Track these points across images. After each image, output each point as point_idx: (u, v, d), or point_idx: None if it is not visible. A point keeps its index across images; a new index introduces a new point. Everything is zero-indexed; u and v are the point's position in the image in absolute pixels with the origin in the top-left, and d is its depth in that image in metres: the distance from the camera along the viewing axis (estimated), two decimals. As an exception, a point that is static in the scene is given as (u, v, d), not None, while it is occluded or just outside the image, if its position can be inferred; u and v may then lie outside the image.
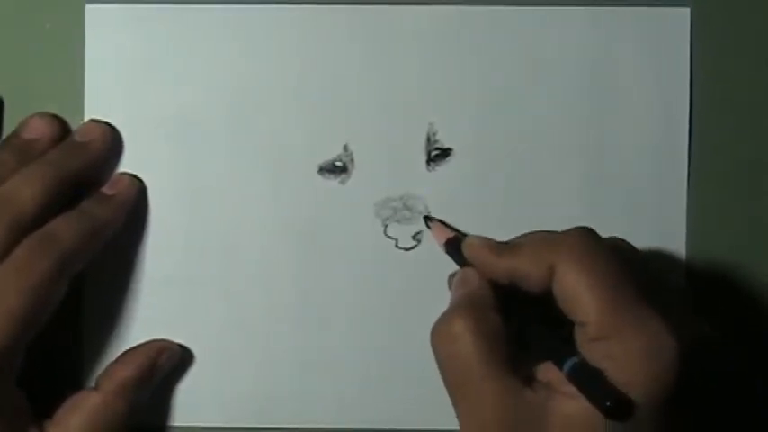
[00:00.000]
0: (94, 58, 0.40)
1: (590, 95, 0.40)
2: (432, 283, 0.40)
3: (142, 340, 0.40)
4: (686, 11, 0.40)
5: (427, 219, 0.40)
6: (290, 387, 0.40)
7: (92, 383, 0.39)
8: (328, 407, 0.40)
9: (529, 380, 0.32)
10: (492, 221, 0.40)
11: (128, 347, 0.39)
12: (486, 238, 0.36)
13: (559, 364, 0.31)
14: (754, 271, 0.41)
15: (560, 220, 0.40)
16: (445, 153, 0.40)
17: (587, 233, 0.33)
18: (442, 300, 0.39)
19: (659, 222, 0.40)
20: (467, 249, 0.36)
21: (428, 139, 0.40)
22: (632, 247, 0.36)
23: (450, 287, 0.37)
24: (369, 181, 0.40)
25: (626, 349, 0.31)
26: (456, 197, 0.40)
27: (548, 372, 0.32)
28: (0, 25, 0.41)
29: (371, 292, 0.40)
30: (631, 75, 0.40)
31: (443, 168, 0.40)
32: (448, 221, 0.40)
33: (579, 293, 0.32)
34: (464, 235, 0.38)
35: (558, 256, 0.32)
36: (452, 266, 0.39)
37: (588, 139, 0.40)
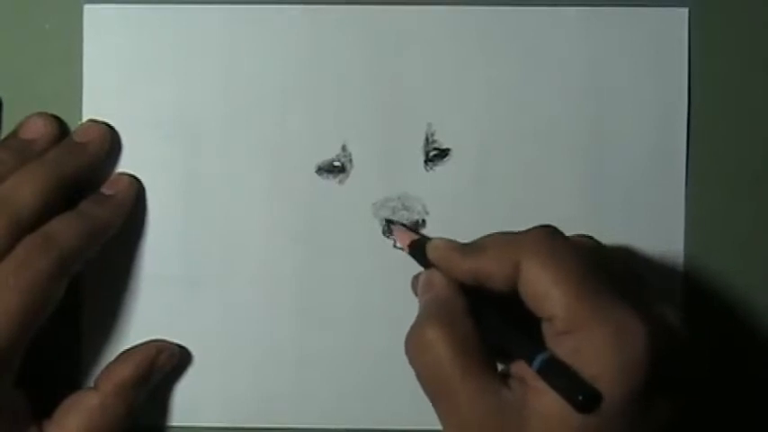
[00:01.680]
0: (93, 58, 0.40)
1: (588, 96, 0.40)
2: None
3: (141, 340, 0.40)
4: (685, 11, 0.40)
5: (389, 222, 0.40)
6: (289, 387, 0.40)
7: (90, 383, 0.39)
8: (328, 407, 0.40)
9: (504, 377, 0.32)
10: (490, 221, 0.40)
11: (126, 347, 0.39)
12: (450, 240, 0.36)
13: (529, 361, 0.31)
14: (752, 271, 0.41)
15: (559, 220, 0.40)
16: (443, 153, 0.40)
17: (550, 230, 0.34)
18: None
19: (657, 222, 0.40)
20: (431, 252, 0.36)
21: (426, 140, 0.40)
22: (598, 243, 0.36)
23: (413, 289, 0.37)
24: (367, 181, 0.40)
25: (593, 341, 0.31)
26: (454, 197, 0.40)
27: (521, 368, 0.32)
28: (0, 25, 0.41)
29: (370, 291, 0.40)
30: (630, 75, 0.40)
31: (442, 168, 0.40)
32: (446, 221, 0.40)
33: (544, 289, 0.32)
34: (428, 238, 0.38)
35: (521, 254, 0.32)
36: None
37: (586, 139, 0.40)
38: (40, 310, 0.35)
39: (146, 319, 0.40)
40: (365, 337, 0.40)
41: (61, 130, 0.40)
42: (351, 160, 0.40)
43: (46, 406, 0.37)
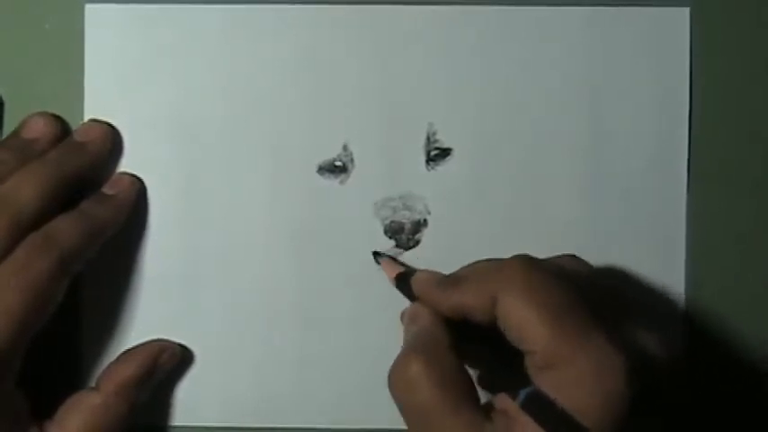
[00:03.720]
0: (94, 57, 0.40)
1: (589, 95, 0.40)
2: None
3: (142, 340, 0.40)
4: (686, 11, 0.40)
5: (376, 254, 0.40)
6: (289, 387, 0.40)
7: (92, 383, 0.39)
8: (328, 407, 0.40)
9: (488, 410, 0.32)
10: (491, 221, 0.40)
11: (128, 347, 0.39)
12: (434, 273, 0.36)
13: (513, 396, 0.31)
14: (755, 271, 0.41)
15: (560, 219, 0.40)
16: (445, 153, 0.40)
17: (527, 261, 0.33)
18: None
19: (659, 222, 0.40)
20: (415, 285, 0.36)
21: (428, 139, 0.40)
22: (581, 263, 0.36)
23: (402, 322, 0.37)
24: (368, 180, 0.40)
25: (574, 375, 0.30)
26: (455, 197, 0.40)
27: (505, 400, 0.32)
28: (0, 25, 0.40)
29: (371, 291, 0.40)
30: (631, 75, 0.40)
31: (443, 168, 0.40)
32: (448, 221, 0.40)
33: (523, 323, 0.31)
34: (413, 270, 0.38)
35: (498, 287, 0.32)
36: (454, 266, 0.39)
37: (588, 138, 0.40)
38: (41, 310, 0.35)
39: (146, 318, 0.40)
40: (365, 336, 0.40)
41: (62, 129, 0.40)
42: (352, 160, 0.40)
43: (47, 406, 0.37)
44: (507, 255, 0.39)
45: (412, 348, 0.33)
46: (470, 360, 0.35)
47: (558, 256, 0.36)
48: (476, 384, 0.33)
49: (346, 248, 0.40)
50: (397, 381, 0.33)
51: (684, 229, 0.40)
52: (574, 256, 0.36)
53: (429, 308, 0.35)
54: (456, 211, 0.40)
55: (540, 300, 0.31)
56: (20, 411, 0.36)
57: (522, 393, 0.31)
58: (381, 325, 0.40)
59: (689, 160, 0.40)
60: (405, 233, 0.40)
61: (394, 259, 0.40)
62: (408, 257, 0.40)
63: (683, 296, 0.40)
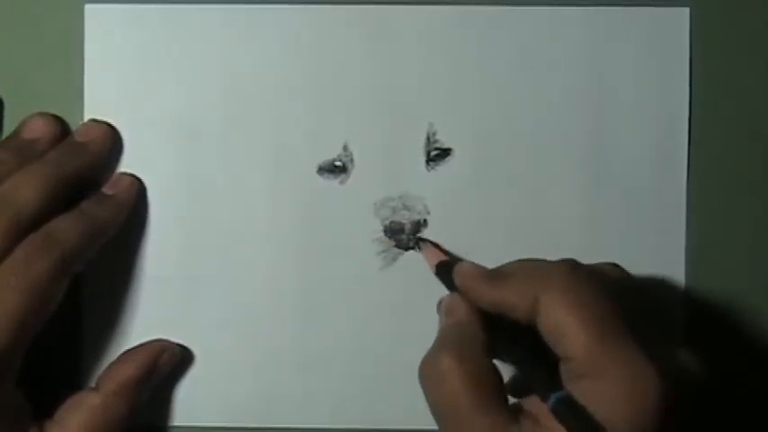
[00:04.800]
0: (94, 57, 0.40)
1: (589, 95, 0.40)
2: (431, 283, 0.40)
3: (142, 340, 0.40)
4: (685, 10, 0.40)
5: (419, 240, 0.40)
6: (289, 387, 0.40)
7: (92, 383, 0.39)
8: (328, 407, 0.40)
9: (516, 411, 0.32)
10: (491, 221, 0.40)
11: (128, 347, 0.39)
12: (477, 266, 0.36)
13: (544, 398, 0.31)
14: (754, 270, 0.41)
15: (560, 220, 0.40)
16: (445, 153, 0.40)
17: (574, 266, 0.33)
18: (439, 298, 0.39)
19: (659, 222, 0.40)
20: (457, 277, 0.36)
21: (428, 139, 0.40)
22: (624, 274, 0.36)
23: (438, 312, 0.37)
24: (368, 180, 0.40)
25: (610, 387, 0.30)
26: (455, 197, 0.40)
27: (534, 404, 0.32)
28: (-1, 25, 0.41)
29: (371, 291, 0.40)
30: (631, 75, 0.40)
31: (443, 168, 0.40)
32: (448, 221, 0.40)
33: (563, 329, 0.31)
34: (456, 259, 0.38)
35: (543, 289, 0.32)
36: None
37: (588, 138, 0.40)
38: (41, 310, 0.35)
39: (147, 318, 0.40)
40: (366, 337, 0.40)
41: (62, 129, 0.40)
42: (352, 160, 0.40)
43: (47, 406, 0.37)
44: (507, 255, 0.39)
45: (445, 341, 0.33)
46: (502, 359, 0.35)
47: (601, 264, 0.36)
48: (505, 384, 0.33)
49: (346, 248, 0.40)
50: (427, 373, 0.33)
51: (684, 228, 0.40)
52: (615, 264, 0.36)
53: (467, 301, 0.35)
54: (456, 212, 0.40)
55: (583, 307, 0.31)
56: (20, 411, 0.36)
57: (554, 397, 0.31)
58: (381, 325, 0.40)
59: (689, 160, 0.40)
60: (405, 233, 0.40)
61: (437, 246, 0.40)
62: (408, 257, 0.40)
63: (682, 295, 0.40)
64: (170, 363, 0.39)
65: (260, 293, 0.40)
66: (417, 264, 0.40)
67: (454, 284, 0.36)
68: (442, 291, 0.38)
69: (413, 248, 0.40)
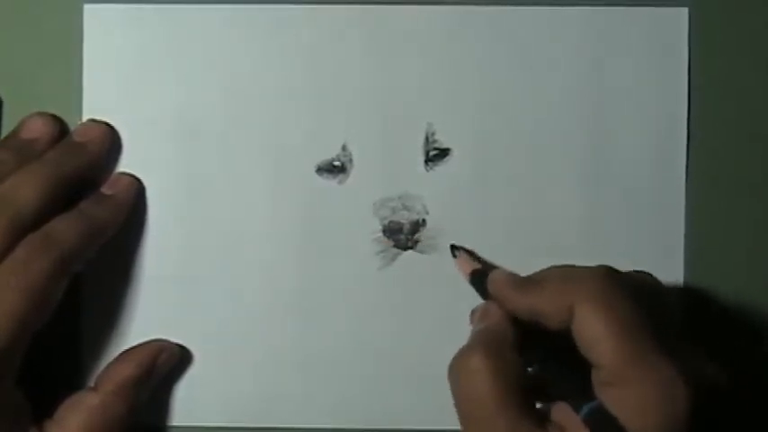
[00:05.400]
0: (93, 57, 0.40)
1: (588, 95, 0.40)
2: (430, 283, 0.40)
3: (141, 340, 0.40)
4: (684, 11, 0.40)
5: (453, 248, 0.40)
6: (288, 387, 0.40)
7: (91, 383, 0.39)
8: (328, 407, 0.40)
9: (542, 419, 0.32)
10: (490, 221, 0.40)
11: (127, 347, 0.39)
12: (511, 274, 0.36)
13: (576, 408, 0.31)
14: (752, 271, 0.41)
15: (559, 219, 0.40)
16: (444, 153, 0.40)
17: (609, 273, 0.33)
18: (440, 299, 0.39)
19: (658, 222, 0.40)
20: (491, 285, 0.36)
21: (426, 139, 0.40)
22: (656, 282, 0.36)
23: (471, 322, 0.37)
24: (367, 181, 0.40)
25: (640, 398, 0.30)
26: (454, 197, 0.40)
27: (561, 413, 0.32)
28: (-1, 25, 0.41)
29: (370, 291, 0.40)
30: (630, 75, 0.40)
31: (442, 168, 0.40)
32: (446, 221, 0.40)
33: (596, 337, 0.31)
34: (491, 267, 0.38)
35: (577, 297, 0.32)
36: (453, 266, 0.40)
37: (587, 138, 0.40)
38: (40, 310, 0.35)
39: (146, 318, 0.40)
40: (366, 336, 0.40)
41: (61, 129, 0.40)
42: (351, 160, 0.40)
43: (46, 406, 0.37)
44: (506, 255, 0.40)
45: (477, 341, 0.33)
46: (533, 365, 0.35)
47: (634, 271, 0.36)
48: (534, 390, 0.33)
49: (345, 248, 0.40)
50: (456, 370, 0.33)
51: (683, 228, 0.40)
52: (649, 274, 0.36)
53: (501, 307, 0.35)
54: (455, 212, 0.40)
55: (618, 316, 0.31)
56: (19, 410, 0.36)
57: (586, 407, 0.31)
58: (380, 325, 0.40)
59: (687, 160, 0.40)
60: (403, 233, 0.40)
61: (471, 253, 0.40)
62: (407, 257, 0.40)
63: (681, 295, 0.40)
64: (169, 362, 0.39)
65: (259, 293, 0.40)
66: (416, 264, 0.40)
67: (488, 293, 0.36)
68: (443, 290, 0.39)
69: (411, 248, 0.40)
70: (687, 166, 0.40)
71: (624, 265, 0.39)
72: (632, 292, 0.32)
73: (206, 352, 0.40)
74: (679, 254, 0.40)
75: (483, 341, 0.33)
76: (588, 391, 0.32)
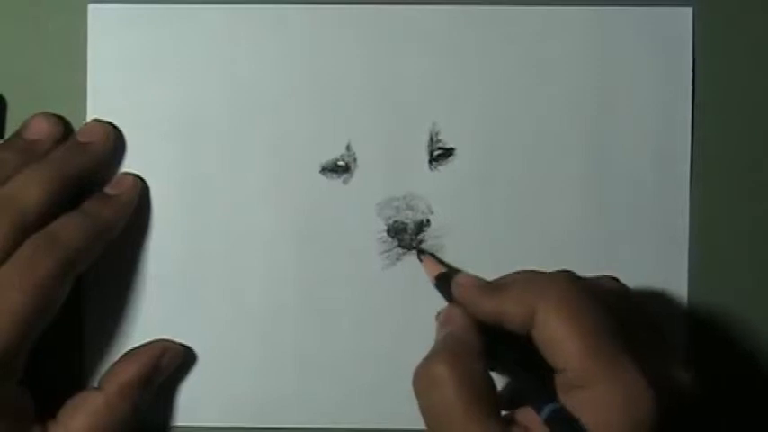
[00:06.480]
0: (97, 57, 0.40)
1: (592, 95, 0.40)
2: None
3: (144, 340, 0.40)
4: (688, 11, 0.40)
5: (420, 252, 0.40)
6: (291, 387, 0.40)
7: (95, 383, 0.39)
8: (329, 407, 0.40)
9: (508, 422, 0.32)
10: (494, 221, 0.40)
11: (130, 347, 0.39)
12: (476, 278, 0.36)
13: (538, 410, 0.31)
14: (756, 271, 0.41)
15: (562, 219, 0.40)
16: (448, 153, 0.40)
17: (570, 277, 0.33)
18: (443, 299, 0.39)
19: (661, 222, 0.40)
20: (455, 288, 0.36)
21: (431, 139, 0.40)
22: (622, 287, 0.36)
23: (437, 323, 0.37)
24: (371, 180, 0.40)
25: (603, 399, 0.30)
26: (458, 197, 0.40)
27: (527, 414, 0.32)
28: (2, 25, 0.41)
29: (373, 291, 0.40)
30: (633, 75, 0.40)
31: (446, 168, 0.40)
32: (451, 221, 0.40)
33: (558, 340, 0.31)
34: (455, 271, 0.39)
35: (539, 299, 0.32)
36: (457, 266, 0.40)
37: (591, 139, 0.40)
38: (44, 310, 0.35)
39: (149, 318, 0.40)
40: (367, 337, 0.40)
41: (65, 129, 0.40)
42: (355, 160, 0.40)
43: (50, 406, 0.37)
44: (510, 254, 0.40)
45: (440, 349, 0.34)
46: (496, 370, 0.35)
47: (599, 277, 0.36)
48: (498, 395, 0.33)
49: (349, 248, 0.40)
50: (420, 379, 0.33)
51: (687, 228, 0.40)
52: (614, 278, 0.36)
53: (464, 311, 0.35)
54: (459, 212, 0.40)
55: (580, 319, 0.32)
56: (23, 411, 0.36)
57: (547, 408, 0.31)
58: (383, 325, 0.40)
59: (692, 160, 0.40)
60: (407, 233, 0.40)
61: (436, 258, 0.40)
62: (410, 257, 0.40)
63: (685, 297, 0.40)
64: (173, 362, 0.39)
65: (262, 293, 0.40)
66: (419, 264, 0.40)
67: (452, 296, 0.37)
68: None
69: (416, 248, 0.40)
70: (691, 167, 0.40)
71: (627, 265, 0.40)
72: (596, 297, 0.32)
73: (208, 352, 0.40)
74: (683, 254, 0.40)
75: (446, 348, 0.33)
76: (550, 393, 0.32)
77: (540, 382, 0.33)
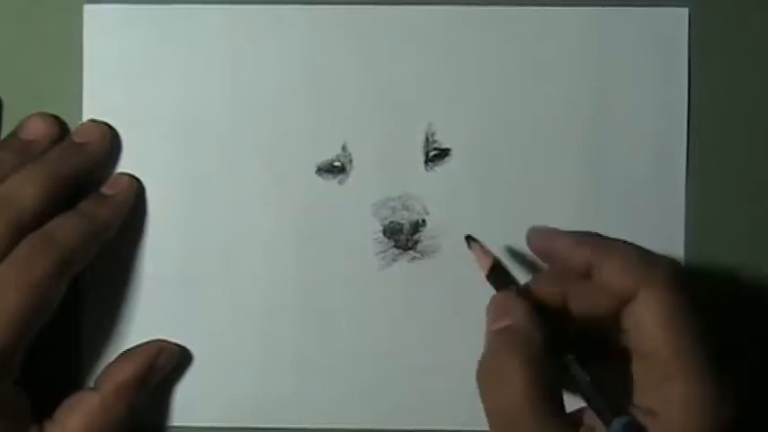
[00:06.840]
0: (93, 58, 0.40)
1: (589, 95, 0.40)
2: (431, 284, 0.40)
3: (141, 340, 0.40)
4: (685, 11, 0.40)
5: (469, 239, 0.38)
6: (289, 387, 0.40)
7: (91, 383, 0.39)
8: (328, 407, 0.40)
9: (575, 423, 0.31)
10: (490, 222, 0.40)
11: (127, 348, 0.39)
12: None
13: (606, 422, 0.31)
14: (753, 270, 0.41)
15: (559, 219, 0.40)
16: (444, 153, 0.40)
17: (679, 266, 0.33)
18: (440, 299, 0.39)
19: (658, 222, 0.40)
20: (538, 238, 0.35)
21: (427, 139, 0.40)
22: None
23: (488, 314, 0.35)
24: (367, 181, 0.40)
25: (687, 395, 0.30)
26: (454, 197, 0.40)
27: (594, 417, 0.32)
28: (-1, 25, 0.41)
29: (370, 292, 0.40)
30: (630, 75, 0.40)
31: (442, 168, 0.40)
32: (446, 221, 0.40)
33: (658, 325, 0.31)
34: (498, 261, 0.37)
35: (646, 279, 0.31)
36: (453, 266, 0.40)
37: (587, 139, 0.40)
38: (41, 310, 0.35)
39: (146, 318, 0.40)
40: (365, 337, 0.40)
41: (61, 130, 0.40)
42: (351, 160, 0.40)
43: (47, 406, 0.37)
44: (506, 255, 0.39)
45: (506, 346, 0.32)
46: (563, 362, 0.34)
47: None
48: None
49: (345, 249, 0.40)
50: (488, 377, 0.32)
51: (683, 228, 0.40)
52: None
53: (523, 300, 0.34)
54: (455, 212, 0.40)
55: (683, 310, 0.31)
56: (20, 410, 0.36)
57: (617, 423, 0.30)
58: (381, 325, 0.40)
59: (688, 160, 0.40)
60: (403, 233, 0.40)
61: (483, 248, 0.38)
62: (407, 258, 0.40)
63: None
64: (169, 363, 0.39)
65: (259, 293, 0.40)
66: (416, 264, 0.40)
67: (502, 282, 0.35)
68: (443, 291, 0.39)
69: (411, 249, 0.40)
70: (687, 167, 0.40)
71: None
72: (695, 293, 0.32)
73: (206, 352, 0.40)
74: (679, 254, 0.40)
75: (512, 345, 0.32)
76: (617, 407, 0.31)
77: (607, 391, 0.32)
